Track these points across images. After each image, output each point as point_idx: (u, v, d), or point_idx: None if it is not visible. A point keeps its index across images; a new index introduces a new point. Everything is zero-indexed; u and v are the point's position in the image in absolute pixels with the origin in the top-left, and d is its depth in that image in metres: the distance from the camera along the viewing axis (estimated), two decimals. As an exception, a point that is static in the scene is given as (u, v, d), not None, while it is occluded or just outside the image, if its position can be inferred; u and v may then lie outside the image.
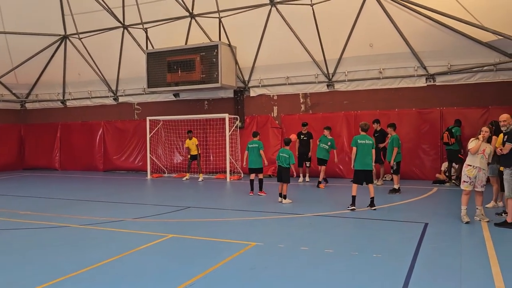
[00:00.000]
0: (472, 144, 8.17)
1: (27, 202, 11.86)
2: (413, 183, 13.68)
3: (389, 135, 12.64)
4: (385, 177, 14.31)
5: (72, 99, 21.13)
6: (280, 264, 5.99)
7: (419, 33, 13.87)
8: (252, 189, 12.08)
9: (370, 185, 9.82)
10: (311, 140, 14.49)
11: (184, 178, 16.42)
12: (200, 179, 15.94)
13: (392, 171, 12.16)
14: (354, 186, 9.72)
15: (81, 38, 18.68)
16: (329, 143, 13.44)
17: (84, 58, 19.14)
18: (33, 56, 19.32)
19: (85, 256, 6.46)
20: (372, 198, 9.76)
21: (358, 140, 9.69)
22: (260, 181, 12.04)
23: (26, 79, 20.83)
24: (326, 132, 13.55)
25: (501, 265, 5.68)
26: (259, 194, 11.94)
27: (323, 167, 13.50)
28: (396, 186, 11.88)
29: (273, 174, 15.66)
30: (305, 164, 14.69)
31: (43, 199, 12.41)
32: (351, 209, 9.51)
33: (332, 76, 15.73)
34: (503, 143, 8.01)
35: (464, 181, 8.15)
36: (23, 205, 11.28)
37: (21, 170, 21.67)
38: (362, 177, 9.74)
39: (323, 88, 16.04)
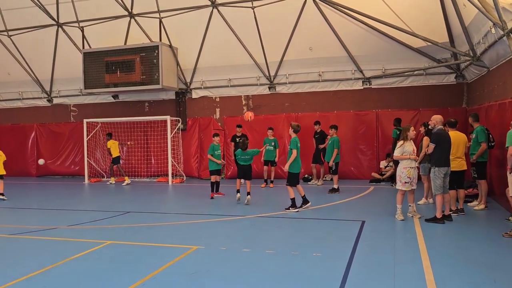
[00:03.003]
0: (400, 150, 8.54)
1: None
2: (351, 183, 14.17)
3: (328, 136, 13.00)
4: (325, 177, 14.70)
5: (1, 100, 19.83)
6: (221, 267, 5.95)
7: (355, 38, 14.39)
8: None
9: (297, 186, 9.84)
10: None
11: (109, 182, 16.01)
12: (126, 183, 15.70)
13: (330, 172, 12.52)
14: (292, 189, 9.68)
15: (11, 35, 17.56)
16: (273, 143, 13.58)
17: (14, 56, 18.00)
18: (-45, 54, 17.92)
19: (12, 268, 6.05)
20: (293, 199, 9.71)
21: (298, 143, 9.73)
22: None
23: None
24: (269, 133, 13.66)
25: (431, 258, 6.00)
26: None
27: (274, 168, 13.76)
28: (335, 186, 12.24)
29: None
30: None
31: (-33, 207, 11.51)
32: (296, 211, 9.54)
33: (274, 78, 15.94)
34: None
35: (406, 182, 8.50)
36: None
37: None
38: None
39: (265, 90, 16.22)
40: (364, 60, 14.87)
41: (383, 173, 14.36)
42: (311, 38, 14.83)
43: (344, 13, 13.82)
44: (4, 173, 12.36)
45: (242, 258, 6.32)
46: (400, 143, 8.63)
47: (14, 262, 6.38)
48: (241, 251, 6.62)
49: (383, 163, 14.50)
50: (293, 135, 9.82)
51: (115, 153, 15.91)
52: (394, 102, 14.95)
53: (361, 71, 15.09)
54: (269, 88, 16.11)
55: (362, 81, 15.22)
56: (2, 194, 12.39)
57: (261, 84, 16.19)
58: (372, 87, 15.21)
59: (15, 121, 19.63)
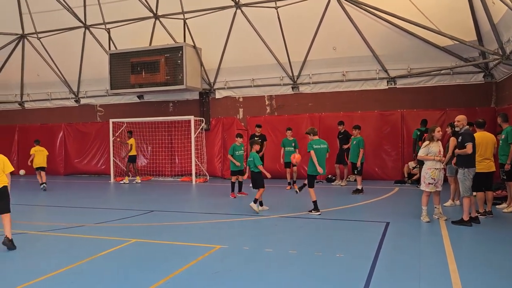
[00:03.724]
0: (425, 150, 8.38)
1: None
2: (375, 184, 14.00)
3: (352, 136, 12.87)
4: (349, 178, 14.57)
5: (30, 101, 20.42)
6: (244, 266, 5.97)
7: (380, 37, 14.22)
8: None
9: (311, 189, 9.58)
10: (265, 142, 14.05)
11: (123, 182, 16.27)
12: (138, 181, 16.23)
13: (355, 172, 12.38)
14: (312, 190, 9.51)
15: (40, 37, 18.06)
16: (293, 144, 13.44)
17: (44, 58, 18.52)
18: (-12, 56, 18.54)
19: (42, 264, 6.23)
20: (315, 202, 9.48)
21: (314, 145, 9.51)
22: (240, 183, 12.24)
23: (-20, 80, 19.96)
24: (288, 134, 13.48)
25: (457, 262, 5.88)
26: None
27: (294, 168, 13.61)
28: (359, 187, 12.12)
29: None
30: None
31: (-1, 205, 11.87)
32: (318, 214, 9.33)
33: (297, 78, 15.89)
34: (460, 144, 8.29)
35: (430, 183, 8.35)
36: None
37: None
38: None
39: (288, 90, 16.19)
40: (389, 59, 14.68)
41: (411, 174, 14.09)
42: (335, 37, 14.74)
43: (369, 12, 13.68)
44: (45, 166, 14.92)
45: (265, 258, 6.33)
46: (425, 143, 8.48)
47: (44, 258, 6.57)
48: (264, 251, 6.63)
49: (411, 164, 14.21)
50: (312, 138, 9.66)
51: (133, 151, 16.20)
52: (419, 102, 14.70)
53: (386, 71, 14.89)
54: (292, 88, 16.07)
55: (387, 81, 15.03)
56: (45, 184, 14.40)
57: (284, 84, 16.17)
58: (397, 86, 14.99)
59: (44, 121, 20.17)
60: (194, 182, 15.71)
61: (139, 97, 18.18)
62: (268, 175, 10.13)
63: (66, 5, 16.67)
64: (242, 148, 12.25)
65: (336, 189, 13.30)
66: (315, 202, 9.46)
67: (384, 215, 9.22)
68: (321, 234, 7.86)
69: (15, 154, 20.57)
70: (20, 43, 18.70)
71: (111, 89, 16.82)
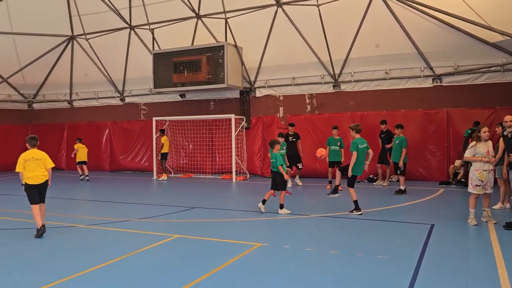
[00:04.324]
0: (472, 151, 8.07)
1: (34, 201, 11.92)
2: (419, 184, 13.62)
3: (395, 136, 12.58)
4: (391, 178, 14.26)
5: (78, 100, 21.25)
6: (285, 265, 5.98)
7: (425, 33, 13.81)
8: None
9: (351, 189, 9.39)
10: (298, 141, 13.96)
11: (162, 179, 16.72)
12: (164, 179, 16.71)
13: (398, 172, 12.09)
14: (352, 190, 9.34)
15: (88, 38, 18.79)
16: (338, 143, 13.27)
17: (91, 58, 19.24)
18: (40, 57, 19.44)
19: (89, 257, 6.49)
20: (355, 201, 9.33)
21: (359, 145, 9.29)
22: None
23: (33, 80, 20.96)
24: (334, 132, 13.29)
25: (507, 267, 5.64)
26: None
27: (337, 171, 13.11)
28: (402, 187, 11.83)
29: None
30: (298, 166, 13.94)
31: (49, 198, 12.45)
32: (359, 214, 9.21)
33: (338, 76, 15.70)
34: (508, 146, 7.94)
35: (477, 185, 8.04)
36: (29, 205, 11.32)
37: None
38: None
39: (329, 88, 16.02)
40: (434, 56, 14.22)
41: (457, 171, 13.60)
42: (378, 34, 14.44)
43: (413, 8, 13.32)
44: (86, 160, 16.92)
45: (305, 257, 6.31)
46: (472, 143, 8.17)
47: (93, 251, 6.84)
48: (304, 250, 6.62)
49: (458, 162, 13.69)
50: (356, 136, 9.48)
51: (165, 149, 16.67)
52: (467, 100, 14.15)
53: (431, 68, 14.44)
54: (334, 86, 15.89)
55: (432, 79, 14.56)
56: (87, 175, 16.66)
57: (325, 83, 16.01)
58: (443, 84, 14.50)
59: (91, 119, 20.95)
60: (234, 180, 15.85)
61: (181, 95, 18.53)
62: (287, 177, 9.79)
63: (112, 7, 17.24)
64: (284, 147, 12.24)
65: (378, 190, 13.05)
66: (355, 202, 9.31)
67: (428, 217, 8.96)
68: (362, 235, 7.74)
69: (64, 151, 21.47)
70: (70, 44, 19.51)
71: (154, 88, 17.24)
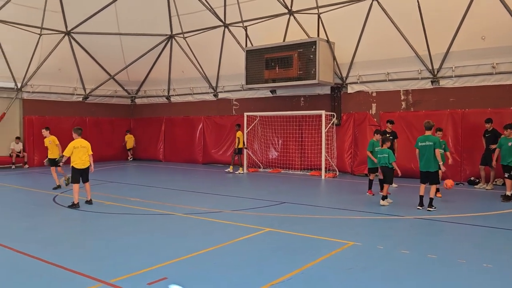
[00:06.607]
0: None
1: (136, 190, 12.90)
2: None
3: (502, 136, 11.49)
4: (495, 181, 13.13)
5: (175, 95, 22.46)
6: (379, 265, 5.80)
7: (541, 23, 12.48)
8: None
9: (432, 186, 9.57)
10: (396, 140, 13.35)
11: (238, 172, 17.27)
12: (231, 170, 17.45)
13: (507, 176, 10.98)
14: (421, 186, 9.68)
15: (186, 37, 19.77)
16: (443, 146, 11.55)
17: (188, 56, 20.23)
18: (143, 55, 20.89)
19: (185, 244, 6.85)
20: (431, 199, 9.50)
21: (419, 142, 9.71)
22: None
23: (136, 76, 22.61)
24: (439, 135, 11.55)
25: None
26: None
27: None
28: (508, 193, 10.80)
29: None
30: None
31: (150, 187, 13.40)
32: (434, 209, 9.37)
33: (437, 71, 14.79)
34: None
35: None
36: (133, 192, 12.28)
37: (129, 160, 23.57)
38: (425, 178, 9.66)
39: (426, 84, 15.15)
40: (552, 48, 12.80)
41: None
42: (484, 25, 13.34)
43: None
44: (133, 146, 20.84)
45: (400, 259, 6.06)
46: None
47: (189, 239, 7.22)
48: (399, 252, 6.36)
49: None
50: (426, 133, 9.76)
51: (241, 144, 17.08)
52: None
53: (547, 62, 13.03)
54: (432, 82, 15.00)
55: (548, 73, 13.13)
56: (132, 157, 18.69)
57: (422, 78, 15.17)
58: (561, 79, 13.01)
59: (186, 114, 22.05)
60: (323, 177, 15.70)
61: (271, 91, 18.74)
62: (400, 173, 10.43)
63: (208, 6, 17.94)
64: (380, 144, 11.80)
65: (480, 193, 12.11)
66: (421, 197, 9.60)
67: (541, 225, 8.12)
68: (464, 240, 7.24)
69: (162, 143, 22.86)
70: (169, 43, 20.69)
71: (246, 84, 17.64)
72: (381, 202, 10.12)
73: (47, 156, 13.21)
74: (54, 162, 12.74)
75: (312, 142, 17.10)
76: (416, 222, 8.50)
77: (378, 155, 10.56)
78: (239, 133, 17.21)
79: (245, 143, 17.65)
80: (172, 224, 8.37)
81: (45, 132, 13.19)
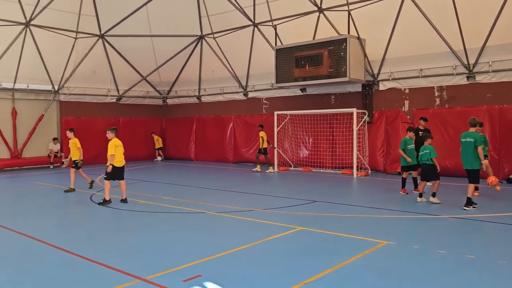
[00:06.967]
0: None
1: (168, 188, 13.12)
2: None
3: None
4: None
5: (206, 95, 22.69)
6: (414, 266, 5.69)
7: None
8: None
9: (470, 185, 9.41)
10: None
11: (269, 171, 17.26)
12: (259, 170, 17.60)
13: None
14: (471, 187, 9.46)
15: (216, 37, 19.94)
16: (483, 139, 11.55)
17: (218, 56, 20.39)
18: (173, 56, 21.21)
19: (218, 242, 6.92)
20: (468, 198, 9.33)
21: (461, 139, 9.58)
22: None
23: (167, 77, 22.98)
24: (479, 130, 10.73)
25: None
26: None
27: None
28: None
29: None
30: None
31: (182, 186, 13.60)
32: (473, 208, 9.22)
33: (473, 67, 14.35)
34: None
35: None
36: (166, 191, 12.50)
37: (158, 160, 23.97)
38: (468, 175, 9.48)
39: (462, 80, 14.73)
40: None
41: None
42: (523, 18, 12.86)
43: None
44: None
45: (437, 260, 5.93)
46: None
47: (222, 236, 7.30)
48: (435, 252, 6.22)
49: None
50: (473, 129, 9.53)
51: (264, 144, 17.09)
52: None
53: None
54: (467, 77, 14.57)
55: None
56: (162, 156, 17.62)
57: (457, 74, 14.76)
58: None
59: (216, 113, 22.24)
60: (355, 175, 15.52)
61: (302, 90, 18.66)
62: (439, 169, 10.14)
63: (238, 6, 18.03)
64: (413, 142, 11.58)
65: (520, 192, 11.70)
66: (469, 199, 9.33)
67: None
68: (502, 241, 7.00)
69: (193, 142, 23.14)
70: (199, 44, 20.91)
71: (276, 82, 17.62)
72: (431, 199, 10.01)
73: (67, 156, 13.60)
74: (74, 164, 12.82)
75: (343, 140, 16.92)
76: (452, 221, 8.29)
77: (420, 152, 10.38)
78: (262, 133, 17.22)
79: (270, 142, 17.65)
80: (204, 223, 8.48)
81: (69, 134, 13.11)
